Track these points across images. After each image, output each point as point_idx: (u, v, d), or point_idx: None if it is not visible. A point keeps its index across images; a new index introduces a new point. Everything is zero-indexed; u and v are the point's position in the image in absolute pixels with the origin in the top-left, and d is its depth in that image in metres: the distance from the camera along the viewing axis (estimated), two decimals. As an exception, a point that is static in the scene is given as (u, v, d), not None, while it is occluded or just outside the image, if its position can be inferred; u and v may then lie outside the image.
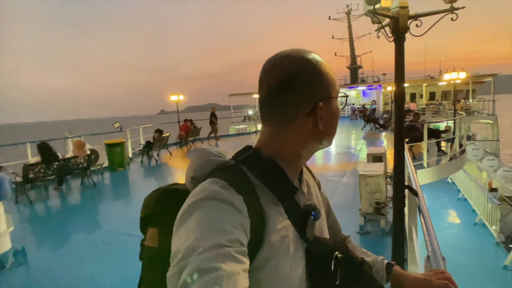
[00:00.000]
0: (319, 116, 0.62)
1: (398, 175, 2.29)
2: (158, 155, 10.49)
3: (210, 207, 0.49)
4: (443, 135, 8.83)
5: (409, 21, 2.12)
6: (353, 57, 32.65)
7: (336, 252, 0.62)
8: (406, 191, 2.32)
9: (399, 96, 2.09)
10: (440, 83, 24.26)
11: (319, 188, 0.81)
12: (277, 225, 0.57)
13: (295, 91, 0.61)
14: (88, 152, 7.32)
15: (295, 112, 0.62)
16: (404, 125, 2.15)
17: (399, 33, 2.02)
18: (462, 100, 22.51)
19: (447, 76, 14.48)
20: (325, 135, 0.65)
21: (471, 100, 23.00)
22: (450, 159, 7.58)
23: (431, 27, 2.03)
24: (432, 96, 27.23)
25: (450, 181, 11.74)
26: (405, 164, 2.10)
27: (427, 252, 1.10)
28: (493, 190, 11.70)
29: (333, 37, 33.03)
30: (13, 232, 3.73)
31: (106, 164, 8.63)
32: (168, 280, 0.45)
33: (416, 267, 2.19)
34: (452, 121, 9.53)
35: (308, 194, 0.69)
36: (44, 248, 4.14)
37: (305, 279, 0.60)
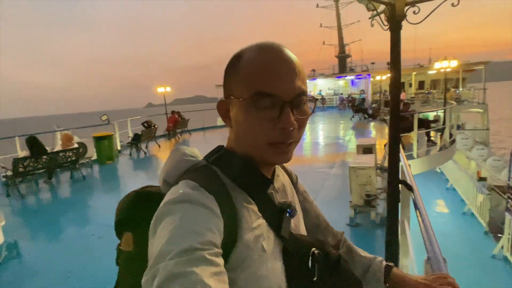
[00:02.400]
0: (227, 114, 0.61)
1: (393, 169, 2.23)
2: (146, 147, 10.43)
3: (182, 210, 0.48)
4: (432, 125, 8.89)
5: (406, 8, 2.01)
6: (342, 46, 32.32)
7: (313, 249, 0.61)
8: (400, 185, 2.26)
9: (395, 87, 2.02)
10: (430, 72, 24.35)
11: (296, 185, 0.80)
12: (250, 224, 0.56)
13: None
14: (76, 145, 7.20)
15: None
16: (400, 117, 2.08)
17: (395, 21, 1.93)
18: (452, 89, 22.67)
19: (438, 65, 14.53)
20: (238, 141, 0.61)
21: (461, 89, 23.17)
22: (440, 149, 7.64)
23: (430, 14, 1.91)
24: (421, 85, 27.30)
25: (438, 170, 11.91)
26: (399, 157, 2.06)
27: (427, 253, 1.08)
28: (482, 179, 11.90)
29: (321, 25, 32.59)
30: (4, 226, 3.71)
31: (94, 157, 8.51)
32: (143, 285, 0.43)
33: (408, 260, 2.17)
34: (442, 111, 9.60)
35: (282, 192, 0.68)
36: (36, 242, 4.14)
37: (284, 277, 0.58)
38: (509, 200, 8.54)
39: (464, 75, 24.52)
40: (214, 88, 27.83)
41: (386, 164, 5.92)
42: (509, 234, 6.22)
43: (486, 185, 9.80)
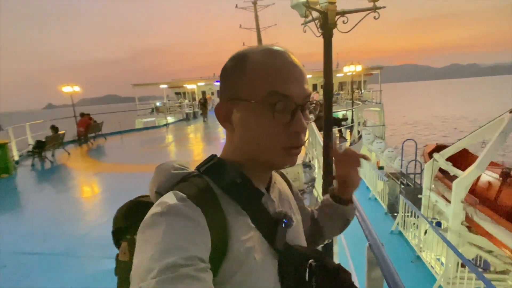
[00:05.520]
0: (228, 118, 0.59)
1: (327, 166, 2.37)
2: (53, 155, 9.07)
3: (166, 223, 0.46)
4: (343, 123, 10.00)
5: (336, 17, 2.18)
6: (261, 47, 33.42)
7: (311, 260, 0.59)
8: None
9: (327, 89, 2.21)
10: (338, 75, 27.20)
11: (298, 198, 0.79)
12: (241, 236, 0.53)
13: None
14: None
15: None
16: (331, 119, 2.29)
17: (327, 28, 2.10)
18: (356, 90, 25.74)
19: (346, 69, 16.37)
20: (241, 145, 0.59)
21: (363, 90, 26.43)
22: (350, 144, 8.65)
23: (356, 24, 2.14)
24: None
25: (347, 163, 13.44)
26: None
27: (368, 241, 1.18)
28: (380, 168, 13.89)
29: (240, 26, 33.18)
30: None
31: (-17, 171, 7.05)
32: None
33: (337, 246, 2.41)
34: (350, 110, 10.85)
35: (278, 200, 0.66)
36: None
37: None
38: (402, 184, 10.21)
39: (365, 78, 28.07)
40: (130, 87, 25.82)
41: (307, 160, 6.41)
42: (402, 213, 7.40)
43: (384, 173, 11.49)
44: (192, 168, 0.61)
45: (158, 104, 23.12)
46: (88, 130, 11.49)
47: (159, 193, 0.57)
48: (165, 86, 27.11)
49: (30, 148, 8.74)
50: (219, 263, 0.50)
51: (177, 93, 29.10)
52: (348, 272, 0.68)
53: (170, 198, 0.50)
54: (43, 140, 8.61)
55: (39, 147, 8.41)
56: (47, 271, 3.19)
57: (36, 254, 3.52)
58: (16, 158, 8.66)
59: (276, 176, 0.71)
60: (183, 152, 9.76)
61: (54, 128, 9.14)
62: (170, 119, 19.36)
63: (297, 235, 0.68)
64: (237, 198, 0.57)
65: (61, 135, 9.34)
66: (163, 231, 0.45)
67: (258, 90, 0.54)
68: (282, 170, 0.79)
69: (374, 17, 2.15)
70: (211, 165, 0.59)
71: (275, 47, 0.58)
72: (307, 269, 0.58)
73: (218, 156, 0.63)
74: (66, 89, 12.65)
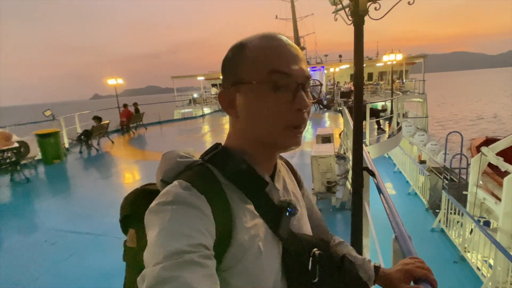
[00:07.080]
0: (232, 104, 0.59)
1: (357, 157, 2.29)
2: (98, 144, 9.78)
3: (171, 211, 0.48)
4: (381, 114, 9.52)
5: (368, 4, 2.09)
6: (297, 38, 32.83)
7: (314, 249, 0.59)
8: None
9: (358, 79, 2.11)
10: (378, 64, 25.90)
11: (301, 186, 0.78)
12: (246, 224, 0.54)
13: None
14: (16, 145, 6.53)
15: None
16: (362, 109, 2.19)
17: (358, 16, 2.00)
18: (397, 80, 24.38)
19: (385, 58, 15.56)
20: (245, 129, 0.59)
21: (405, 80, 25.01)
22: (389, 136, 8.22)
23: (389, 11, 2.00)
24: (369, 76, 28.90)
25: (386, 155, 12.87)
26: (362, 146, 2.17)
27: (394, 232, 1.13)
28: (422, 162, 13.15)
29: (276, 17, 32.96)
30: None
31: (39, 156, 7.80)
32: None
33: (367, 240, 2.33)
34: (389, 101, 10.28)
35: (283, 189, 0.66)
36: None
37: (281, 278, 0.57)
38: (445, 179, 9.58)
39: (407, 67, 26.46)
40: (170, 79, 26.92)
41: (342, 151, 6.24)
42: (444, 209, 6.95)
43: (426, 167, 10.84)
44: (197, 157, 0.62)
45: (195, 95, 23.95)
46: (130, 120, 12.16)
47: (165, 182, 0.58)
48: (201, 78, 27.87)
49: (78, 136, 9.49)
50: (223, 251, 0.51)
51: (213, 85, 29.80)
52: (353, 263, 0.68)
53: (175, 187, 0.51)
54: (90, 129, 9.29)
55: (86, 136, 9.11)
56: (90, 249, 3.46)
57: (81, 234, 3.83)
58: (67, 145, 9.43)
59: (280, 164, 0.71)
60: (217, 141, 10.03)
61: (98, 118, 9.79)
62: (206, 110, 20.05)
63: (302, 223, 0.67)
64: (242, 186, 0.57)
65: (105, 124, 9.99)
66: (168, 219, 0.47)
67: (258, 71, 0.55)
68: (290, 161, 0.80)
69: (409, 2, 1.99)
70: (216, 154, 0.60)
71: (272, 33, 0.59)
72: (311, 258, 0.58)
73: (222, 144, 0.64)
74: (111, 81, 13.48)
